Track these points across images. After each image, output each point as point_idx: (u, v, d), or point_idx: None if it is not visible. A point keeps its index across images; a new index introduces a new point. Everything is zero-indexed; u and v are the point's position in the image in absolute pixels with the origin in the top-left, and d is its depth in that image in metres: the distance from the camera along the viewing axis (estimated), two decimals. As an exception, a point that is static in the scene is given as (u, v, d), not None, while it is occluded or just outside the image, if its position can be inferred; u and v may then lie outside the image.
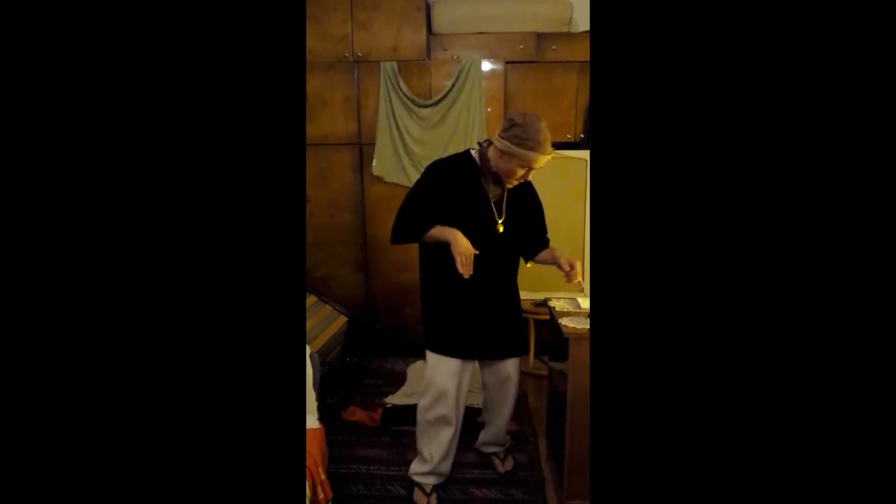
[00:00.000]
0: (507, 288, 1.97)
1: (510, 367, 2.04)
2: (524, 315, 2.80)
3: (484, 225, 1.83)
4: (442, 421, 1.95)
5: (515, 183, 1.81)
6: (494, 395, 2.12)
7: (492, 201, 1.85)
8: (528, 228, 1.94)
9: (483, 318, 1.91)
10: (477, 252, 1.74)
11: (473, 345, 1.93)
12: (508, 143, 1.69)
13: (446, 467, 2.03)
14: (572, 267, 1.83)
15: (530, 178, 1.82)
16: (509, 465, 2.25)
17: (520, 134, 1.68)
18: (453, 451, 2.03)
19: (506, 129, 1.71)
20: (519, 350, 2.06)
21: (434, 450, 1.99)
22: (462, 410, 2.00)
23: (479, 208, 1.84)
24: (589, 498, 1.90)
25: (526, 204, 1.93)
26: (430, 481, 2.03)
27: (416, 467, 2.05)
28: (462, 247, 1.72)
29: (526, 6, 3.19)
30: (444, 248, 1.77)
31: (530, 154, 1.69)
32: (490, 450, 2.28)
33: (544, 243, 2.00)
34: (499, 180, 1.82)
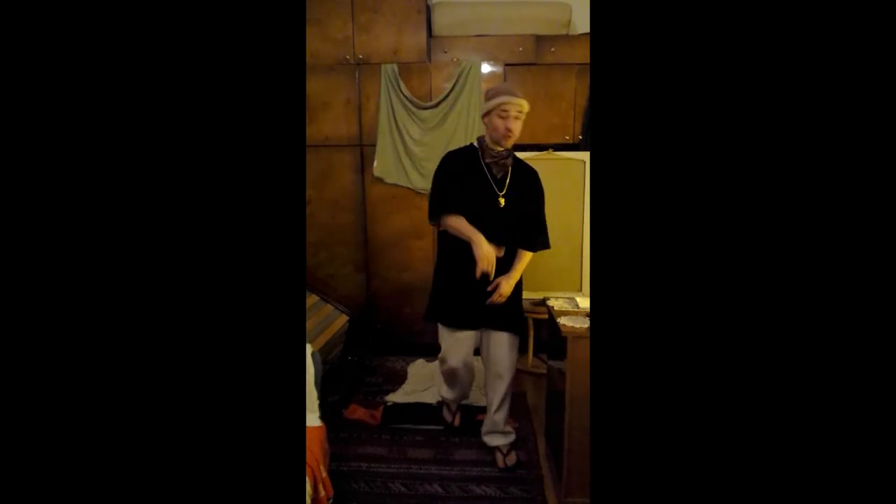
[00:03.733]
0: (510, 261, 2.09)
1: (501, 342, 2.16)
2: (524, 314, 2.86)
3: (486, 200, 2.05)
4: (445, 380, 2.38)
5: (509, 138, 2.00)
6: (489, 374, 2.24)
7: (494, 179, 2.07)
8: (528, 209, 2.11)
9: (473, 289, 2.06)
10: (499, 254, 2.03)
11: (471, 312, 2.11)
12: (485, 106, 2.02)
13: (465, 396, 2.50)
14: (494, 288, 2.04)
15: (516, 130, 2.00)
16: (511, 460, 2.26)
17: (489, 93, 2.03)
18: (467, 389, 2.43)
19: (483, 102, 2.08)
20: (512, 327, 2.15)
21: (448, 387, 2.41)
22: (469, 375, 2.32)
23: (482, 186, 2.06)
24: (588, 495, 1.92)
25: (529, 190, 2.12)
26: (455, 402, 2.49)
27: (443, 391, 2.48)
28: (484, 251, 1.96)
29: (525, 9, 3.21)
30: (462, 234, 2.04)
31: (499, 99, 1.96)
32: (493, 441, 2.30)
33: (531, 240, 2.13)
34: (499, 159, 2.05)
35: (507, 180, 2.07)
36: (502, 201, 2.05)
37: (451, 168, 2.10)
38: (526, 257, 2.11)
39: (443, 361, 2.27)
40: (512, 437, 2.30)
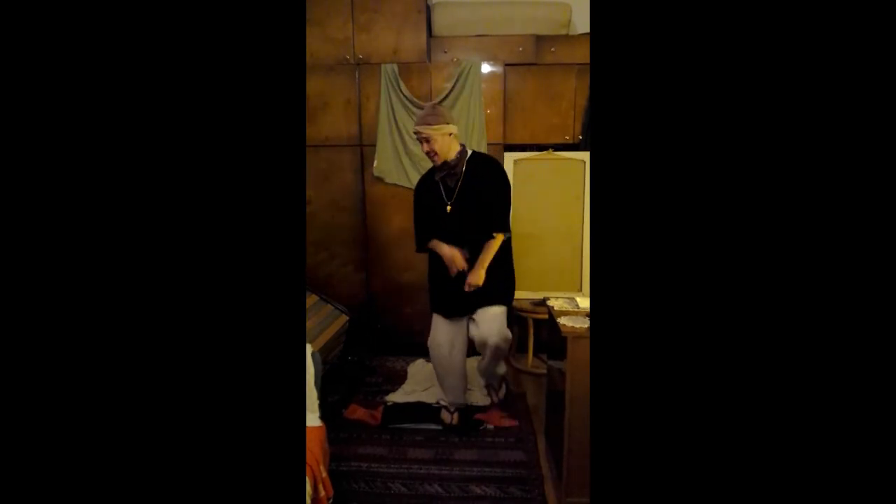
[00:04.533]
0: (473, 257, 2.40)
1: (485, 318, 2.47)
2: (522, 314, 2.90)
3: (438, 210, 2.45)
4: (437, 375, 2.65)
5: (435, 158, 2.37)
6: (479, 346, 2.56)
7: (447, 189, 2.43)
8: (484, 206, 2.39)
9: (452, 282, 2.42)
10: (467, 255, 2.39)
11: (451, 304, 2.50)
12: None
13: (459, 399, 2.63)
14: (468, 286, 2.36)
15: (437, 148, 2.34)
16: (502, 393, 2.77)
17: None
18: (460, 389, 2.62)
19: None
20: (491, 301, 2.46)
21: (443, 387, 2.63)
22: (456, 362, 2.58)
23: (434, 199, 2.47)
24: (587, 495, 1.92)
25: (483, 182, 2.41)
26: (452, 405, 2.61)
27: (439, 394, 2.72)
28: (446, 256, 2.39)
29: (525, 9, 3.21)
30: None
31: (414, 130, 2.38)
32: (487, 382, 2.74)
33: (491, 225, 2.40)
34: (448, 171, 2.41)
35: (458, 187, 2.41)
36: (449, 208, 2.42)
37: (417, 195, 2.55)
38: (489, 248, 2.39)
39: (431, 345, 2.60)
40: (502, 378, 2.74)
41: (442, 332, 2.56)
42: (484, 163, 2.46)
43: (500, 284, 2.47)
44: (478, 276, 2.35)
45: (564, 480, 2.00)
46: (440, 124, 2.33)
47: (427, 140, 2.35)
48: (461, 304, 2.48)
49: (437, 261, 2.49)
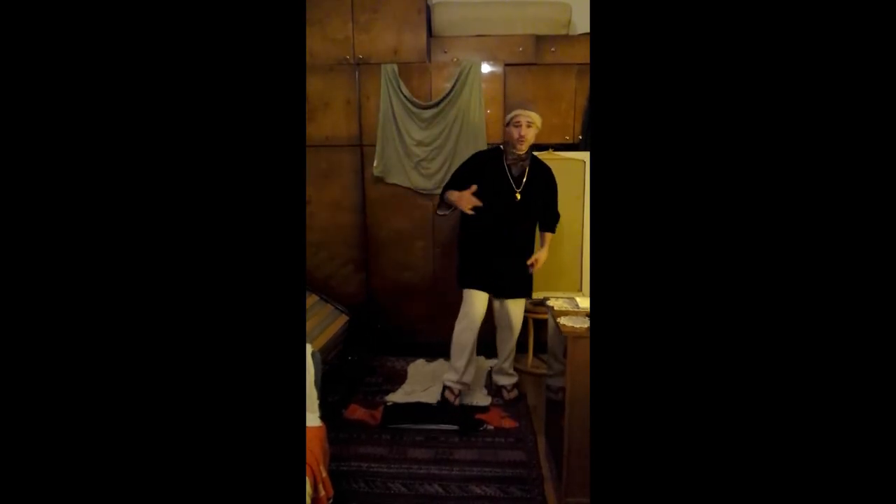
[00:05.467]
0: (524, 244, 2.62)
1: (514, 306, 2.74)
2: (531, 281, 2.95)
3: (504, 193, 2.56)
4: (459, 350, 2.69)
5: (522, 143, 2.48)
6: (501, 329, 2.81)
7: (513, 177, 2.57)
8: (543, 202, 2.63)
9: (502, 264, 2.61)
10: (476, 195, 2.49)
11: (493, 282, 2.65)
12: (506, 119, 2.57)
13: (468, 378, 2.74)
14: (534, 262, 2.60)
15: (528, 136, 2.48)
16: (514, 394, 2.87)
17: (508, 108, 2.65)
18: (472, 367, 2.74)
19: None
20: (523, 294, 2.75)
21: (459, 365, 2.68)
22: (476, 338, 2.71)
23: (501, 182, 2.57)
24: (587, 495, 1.93)
25: (544, 185, 2.63)
26: (457, 387, 2.73)
27: (447, 376, 2.76)
28: (459, 198, 2.52)
29: (525, 9, 3.21)
30: (475, 213, 2.51)
31: (512, 113, 2.49)
32: (501, 381, 2.89)
33: (550, 223, 2.70)
34: (517, 160, 2.55)
35: (525, 178, 2.56)
36: (518, 196, 2.56)
37: (473, 165, 2.62)
38: (550, 239, 2.69)
39: (463, 316, 2.70)
40: (515, 379, 2.90)
41: (476, 303, 2.66)
42: (543, 165, 2.65)
43: (528, 279, 2.70)
44: (542, 261, 2.60)
45: (564, 480, 1.99)
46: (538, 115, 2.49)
47: (529, 124, 2.46)
48: (494, 284, 2.65)
49: (472, 238, 2.65)
